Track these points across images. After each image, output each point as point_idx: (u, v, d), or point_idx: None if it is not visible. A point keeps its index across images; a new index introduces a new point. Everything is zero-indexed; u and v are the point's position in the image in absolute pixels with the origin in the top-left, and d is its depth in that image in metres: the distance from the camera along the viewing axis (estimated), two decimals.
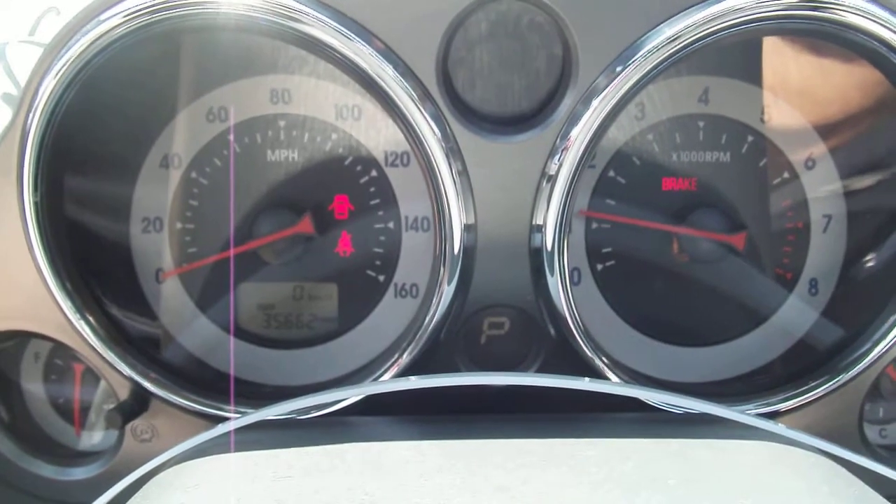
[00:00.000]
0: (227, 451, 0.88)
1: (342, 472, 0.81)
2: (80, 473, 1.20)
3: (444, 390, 0.89)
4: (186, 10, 0.99)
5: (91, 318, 1.08)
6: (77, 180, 1.11)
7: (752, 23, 1.00)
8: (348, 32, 1.00)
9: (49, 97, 1.01)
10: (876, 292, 1.15)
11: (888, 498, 0.80)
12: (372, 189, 1.22)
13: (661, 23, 1.01)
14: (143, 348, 1.13)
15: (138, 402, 1.12)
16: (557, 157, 1.04)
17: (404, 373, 1.10)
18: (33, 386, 1.25)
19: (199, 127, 1.21)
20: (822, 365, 1.14)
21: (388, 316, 1.23)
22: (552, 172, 1.05)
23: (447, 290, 1.07)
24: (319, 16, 0.99)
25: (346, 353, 1.23)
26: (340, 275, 1.24)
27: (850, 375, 1.11)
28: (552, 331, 1.12)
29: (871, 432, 1.23)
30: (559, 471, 0.80)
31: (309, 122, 1.21)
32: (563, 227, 1.06)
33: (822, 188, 1.23)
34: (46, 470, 1.20)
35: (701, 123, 1.22)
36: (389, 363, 1.10)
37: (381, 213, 1.22)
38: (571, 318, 1.08)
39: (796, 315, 1.24)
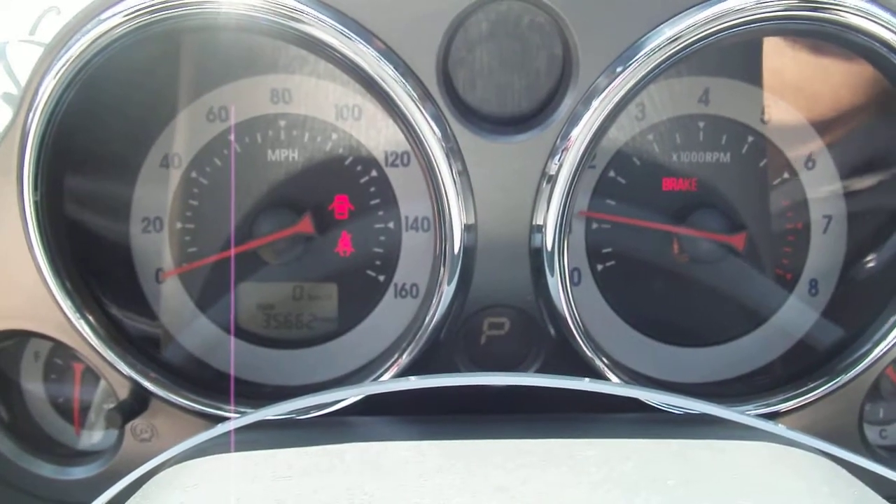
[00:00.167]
0: (226, 450, 0.88)
1: (341, 473, 0.81)
2: (79, 473, 1.19)
3: (444, 390, 0.89)
4: (186, 10, 0.99)
5: (91, 318, 1.08)
6: (77, 180, 1.11)
7: (752, 23, 1.00)
8: (348, 32, 1.00)
9: (49, 97, 1.01)
10: (876, 293, 1.15)
11: (888, 498, 0.80)
12: (372, 189, 1.22)
13: (662, 23, 1.01)
14: (143, 348, 1.13)
15: (138, 402, 1.12)
16: (558, 157, 1.04)
17: (404, 373, 1.10)
18: (33, 385, 1.25)
19: (200, 127, 1.21)
20: (822, 365, 1.14)
21: (388, 316, 1.23)
22: (552, 173, 1.05)
23: (447, 291, 1.07)
24: (320, 16, 0.99)
25: (346, 353, 1.23)
26: (340, 275, 1.24)
27: (850, 376, 1.11)
28: (552, 331, 1.12)
29: (871, 433, 1.23)
30: (559, 471, 0.80)
31: (309, 122, 1.21)
32: (564, 227, 1.06)
33: (823, 188, 1.23)
34: (46, 469, 1.20)
35: (701, 124, 1.22)
36: (389, 363, 1.11)
37: (381, 213, 1.22)
38: (571, 318, 1.08)
39: (796, 316, 1.24)
